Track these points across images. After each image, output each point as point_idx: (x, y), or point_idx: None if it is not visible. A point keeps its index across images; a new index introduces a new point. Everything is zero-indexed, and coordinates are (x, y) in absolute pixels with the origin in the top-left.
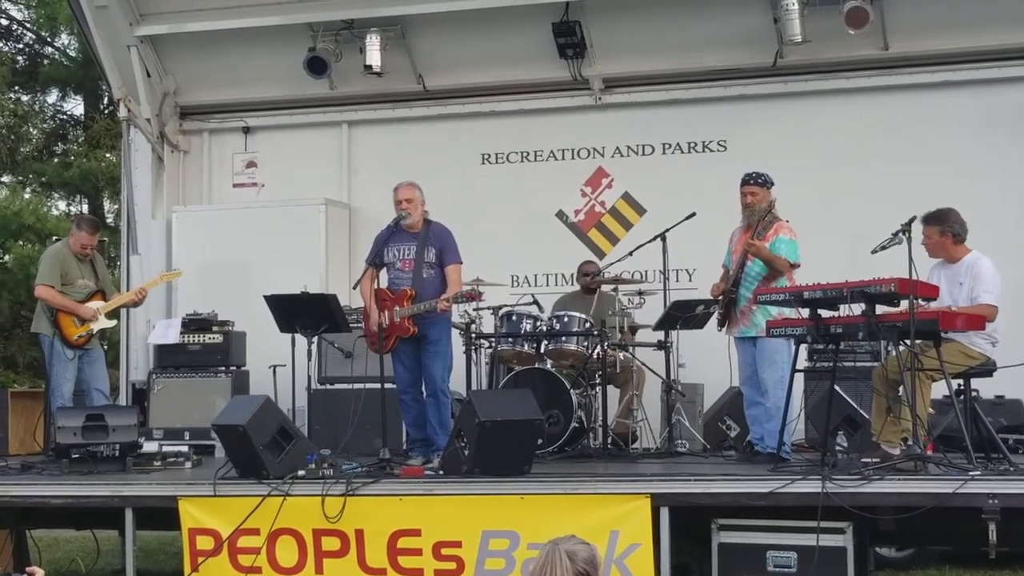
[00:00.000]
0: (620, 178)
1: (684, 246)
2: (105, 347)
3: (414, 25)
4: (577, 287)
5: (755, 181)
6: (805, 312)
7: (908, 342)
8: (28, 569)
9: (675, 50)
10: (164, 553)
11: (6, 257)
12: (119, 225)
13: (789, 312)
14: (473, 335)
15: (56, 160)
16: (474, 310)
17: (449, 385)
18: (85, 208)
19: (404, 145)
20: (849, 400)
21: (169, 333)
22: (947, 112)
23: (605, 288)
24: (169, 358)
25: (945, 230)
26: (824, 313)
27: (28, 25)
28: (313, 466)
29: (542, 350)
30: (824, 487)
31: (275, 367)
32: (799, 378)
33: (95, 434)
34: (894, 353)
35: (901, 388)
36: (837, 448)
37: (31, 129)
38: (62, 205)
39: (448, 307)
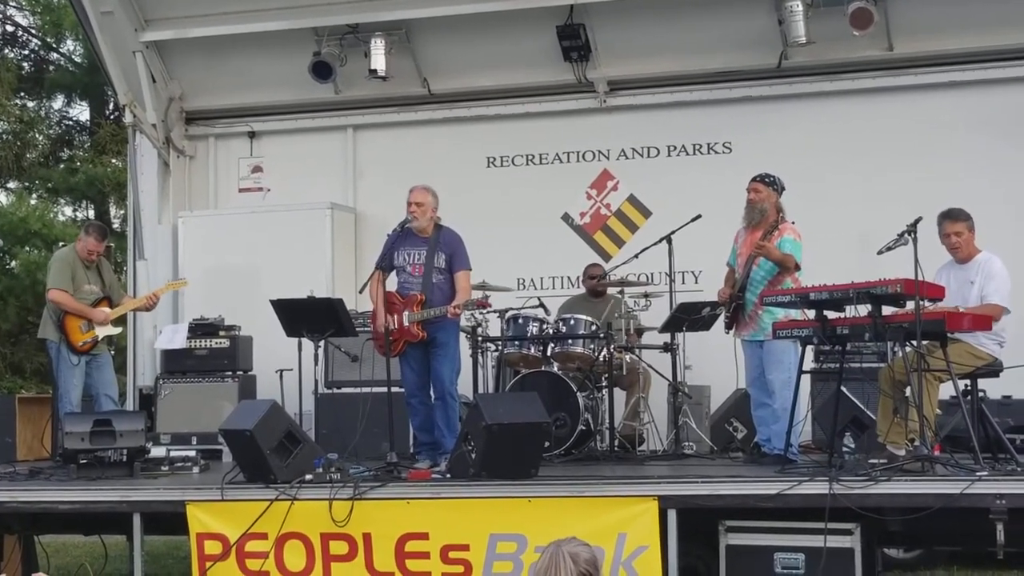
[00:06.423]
0: (625, 180)
1: (690, 248)
2: (112, 352)
3: (419, 29)
4: (583, 290)
5: (761, 179)
6: (811, 313)
7: (915, 343)
8: (36, 575)
9: (680, 52)
10: (172, 558)
11: (13, 263)
12: (125, 231)
13: (795, 313)
14: (480, 338)
15: (62, 166)
16: (480, 313)
17: (457, 388)
18: (91, 214)
19: (409, 149)
20: (856, 401)
21: (176, 338)
22: (953, 112)
23: (611, 291)
24: (176, 363)
25: (972, 226)
26: (830, 314)
27: (33, 31)
28: (320, 470)
29: (548, 353)
30: (831, 488)
31: (282, 371)
32: (806, 379)
33: (103, 439)
34: (901, 354)
35: (908, 389)
36: (844, 449)
37: (37, 135)
38: (68, 211)
39: (458, 313)
